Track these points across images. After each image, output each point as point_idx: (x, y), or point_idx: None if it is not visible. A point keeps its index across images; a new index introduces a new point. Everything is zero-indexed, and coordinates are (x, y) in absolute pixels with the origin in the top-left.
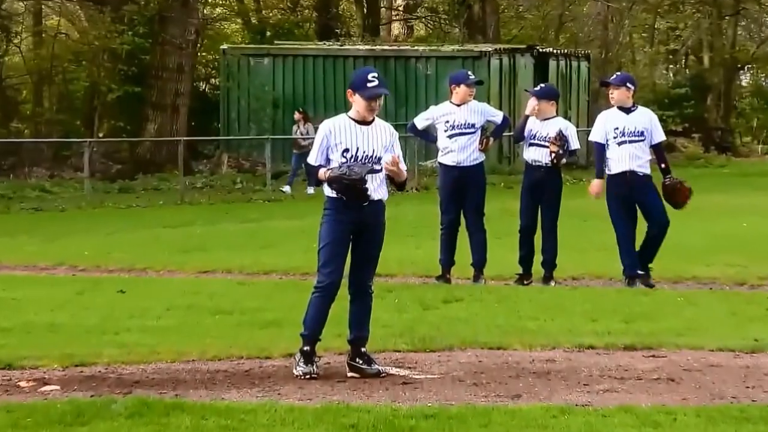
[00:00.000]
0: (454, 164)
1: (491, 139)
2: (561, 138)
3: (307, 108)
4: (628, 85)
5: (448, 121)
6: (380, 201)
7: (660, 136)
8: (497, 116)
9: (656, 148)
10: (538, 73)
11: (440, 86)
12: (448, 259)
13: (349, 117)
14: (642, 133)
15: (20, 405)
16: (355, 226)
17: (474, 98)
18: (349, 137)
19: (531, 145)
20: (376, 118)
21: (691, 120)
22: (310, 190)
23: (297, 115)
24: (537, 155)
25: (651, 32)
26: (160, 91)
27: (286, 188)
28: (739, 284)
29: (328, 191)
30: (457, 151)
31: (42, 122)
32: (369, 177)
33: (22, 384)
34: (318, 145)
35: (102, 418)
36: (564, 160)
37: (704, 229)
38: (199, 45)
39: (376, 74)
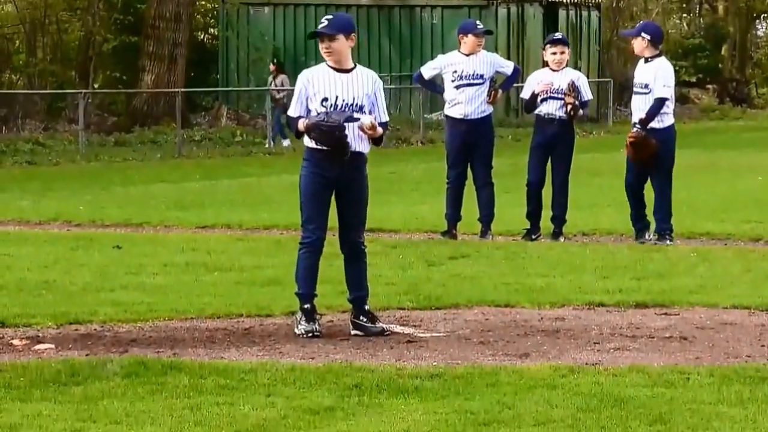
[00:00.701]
0: (462, 117)
1: (500, 91)
2: (574, 89)
3: (309, 59)
4: (642, 34)
5: (456, 71)
6: (361, 154)
7: (658, 92)
8: (507, 67)
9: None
10: (547, 23)
11: (446, 37)
12: (454, 215)
13: (328, 65)
14: (646, 86)
15: (13, 364)
16: (334, 182)
17: (483, 49)
18: (327, 86)
19: (543, 99)
20: (358, 66)
21: (706, 71)
22: (285, 142)
23: (271, 67)
24: (550, 108)
25: None
26: (157, 41)
27: (286, 142)
28: (754, 240)
29: (307, 141)
30: (465, 103)
31: (35, 73)
32: (349, 126)
33: (15, 342)
34: (297, 96)
35: (97, 377)
36: (581, 112)
37: (719, 184)
38: None
39: (330, 17)
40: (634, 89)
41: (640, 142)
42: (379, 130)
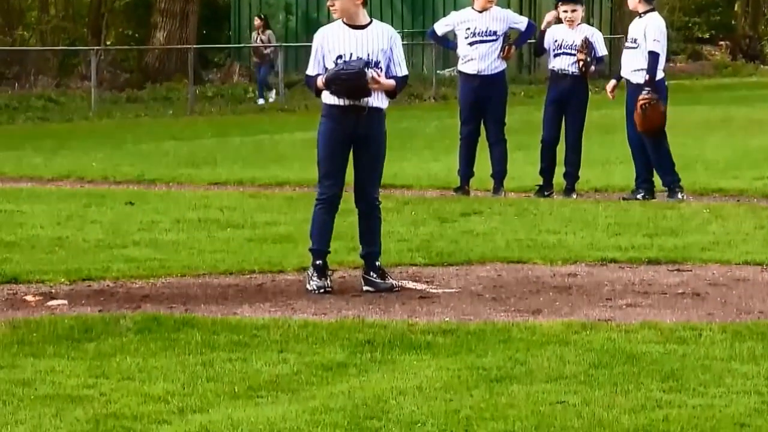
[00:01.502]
0: (475, 73)
1: (513, 47)
2: (588, 45)
3: (322, 15)
4: None
5: (468, 28)
6: (379, 109)
7: (649, 46)
8: (521, 23)
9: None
10: None
11: None
12: (467, 171)
13: (343, 22)
14: (635, 41)
15: (26, 320)
16: (352, 137)
17: (497, 5)
18: (341, 43)
19: (557, 54)
20: (375, 21)
21: (719, 27)
22: (261, 101)
23: (257, 22)
24: (563, 64)
25: None
26: None
27: (261, 101)
28: (767, 197)
29: (326, 98)
30: (478, 60)
31: (47, 30)
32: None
33: (29, 299)
34: (314, 55)
35: (110, 333)
36: (592, 68)
37: (732, 141)
38: None
39: None
40: (627, 44)
41: (652, 106)
42: (388, 82)
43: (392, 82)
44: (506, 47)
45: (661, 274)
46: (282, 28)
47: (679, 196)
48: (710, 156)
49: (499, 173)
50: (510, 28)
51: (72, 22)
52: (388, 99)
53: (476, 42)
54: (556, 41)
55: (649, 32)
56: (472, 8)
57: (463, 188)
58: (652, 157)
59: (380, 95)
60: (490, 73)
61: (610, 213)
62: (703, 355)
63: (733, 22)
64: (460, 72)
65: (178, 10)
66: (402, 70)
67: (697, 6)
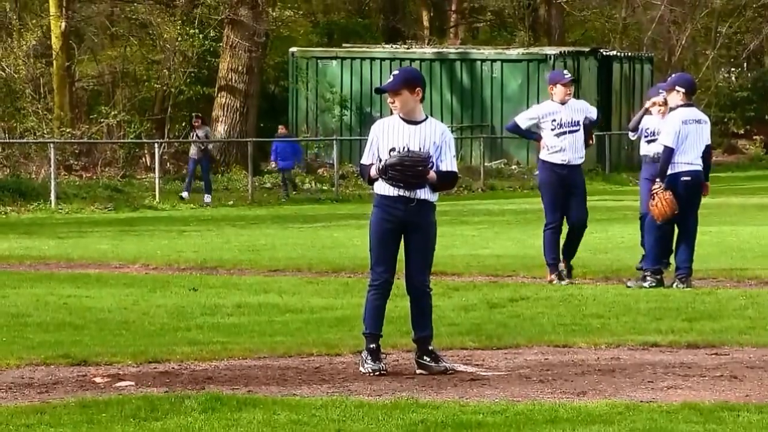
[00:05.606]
0: (563, 162)
1: (593, 134)
2: None
3: (374, 110)
4: (677, 88)
5: (554, 120)
6: (427, 202)
7: (660, 139)
8: (593, 113)
9: None
10: (602, 75)
11: (506, 89)
12: (555, 259)
13: (400, 117)
14: (653, 132)
15: (95, 400)
16: (401, 226)
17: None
18: (395, 136)
19: (650, 141)
20: (430, 118)
21: (753, 122)
22: (185, 194)
23: (195, 121)
24: (658, 149)
25: (713, 36)
26: (229, 93)
27: (207, 198)
28: None
29: (378, 188)
30: (567, 150)
31: (114, 123)
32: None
33: (97, 380)
34: (369, 145)
35: (176, 413)
36: None
37: (766, 229)
38: (268, 47)
39: (396, 72)
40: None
41: (659, 197)
42: (432, 175)
43: (433, 174)
44: (588, 137)
45: (701, 357)
46: (337, 121)
47: (645, 284)
48: (746, 244)
49: (571, 256)
50: (585, 117)
51: (137, 115)
52: (432, 191)
53: (563, 133)
54: (648, 129)
55: (663, 128)
56: (552, 101)
57: (555, 272)
58: (646, 237)
59: (428, 188)
60: (576, 162)
61: (652, 298)
62: None
63: (766, 117)
64: (544, 162)
65: (238, 105)
66: (447, 165)
67: (732, 102)
